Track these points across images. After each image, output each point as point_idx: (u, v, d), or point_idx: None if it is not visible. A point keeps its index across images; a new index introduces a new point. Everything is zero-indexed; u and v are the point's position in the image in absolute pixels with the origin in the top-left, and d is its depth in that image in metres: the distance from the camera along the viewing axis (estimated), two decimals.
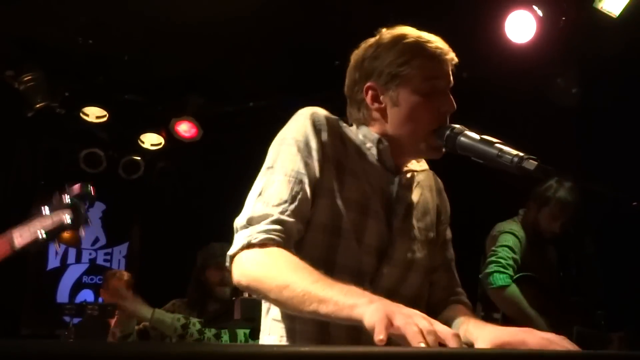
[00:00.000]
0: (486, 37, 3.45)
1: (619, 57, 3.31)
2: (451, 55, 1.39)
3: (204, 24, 3.71)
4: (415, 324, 0.91)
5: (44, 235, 1.90)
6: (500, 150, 1.22)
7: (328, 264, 1.27)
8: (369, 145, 1.41)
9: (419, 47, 1.36)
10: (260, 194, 1.26)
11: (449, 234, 1.56)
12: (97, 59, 4.22)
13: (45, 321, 4.84)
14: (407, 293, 1.36)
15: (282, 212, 1.22)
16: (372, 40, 1.43)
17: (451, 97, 1.38)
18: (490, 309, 2.82)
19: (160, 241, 5.47)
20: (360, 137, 1.43)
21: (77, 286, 5.54)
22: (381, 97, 1.38)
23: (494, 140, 1.26)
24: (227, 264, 1.23)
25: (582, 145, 3.06)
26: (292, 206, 1.24)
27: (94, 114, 4.66)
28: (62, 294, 5.44)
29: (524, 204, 2.98)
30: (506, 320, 2.72)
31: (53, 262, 5.53)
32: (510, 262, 2.73)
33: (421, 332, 0.90)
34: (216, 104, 4.74)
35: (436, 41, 1.38)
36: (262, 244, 1.18)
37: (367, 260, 1.32)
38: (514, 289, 2.68)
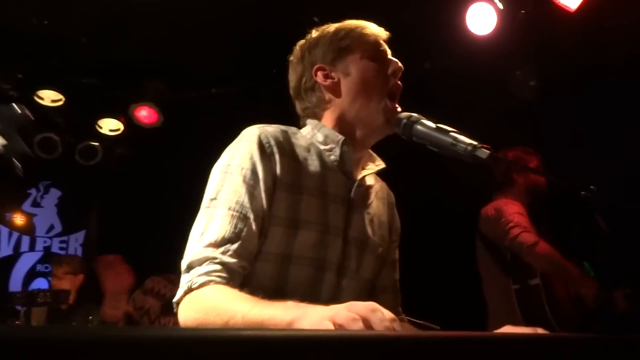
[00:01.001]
0: (448, 29, 3.47)
1: (575, 50, 3.39)
2: (380, 29, 1.49)
3: (166, 7, 3.63)
4: (357, 319, 0.89)
5: None
6: (455, 139, 1.25)
7: (278, 293, 1.23)
8: (330, 146, 1.40)
9: (349, 26, 1.47)
10: (202, 233, 1.21)
11: (396, 254, 1.58)
12: (53, 40, 4.07)
13: None
14: None
15: (223, 253, 1.18)
16: (302, 40, 1.52)
17: (396, 60, 1.46)
18: (524, 278, 2.80)
19: (118, 229, 5.37)
20: (320, 138, 1.42)
21: (31, 275, 5.40)
22: (332, 74, 1.44)
23: (449, 129, 1.29)
24: (175, 310, 1.19)
25: (540, 136, 3.13)
26: (235, 246, 1.20)
27: (49, 97, 4.51)
28: (15, 283, 5.30)
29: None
30: (546, 285, 2.72)
31: (5, 250, 5.37)
32: (528, 224, 2.77)
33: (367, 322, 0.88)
34: (177, 90, 4.65)
35: (358, 21, 1.49)
36: (201, 287, 1.14)
37: (327, 277, 1.32)
38: (544, 243, 2.69)
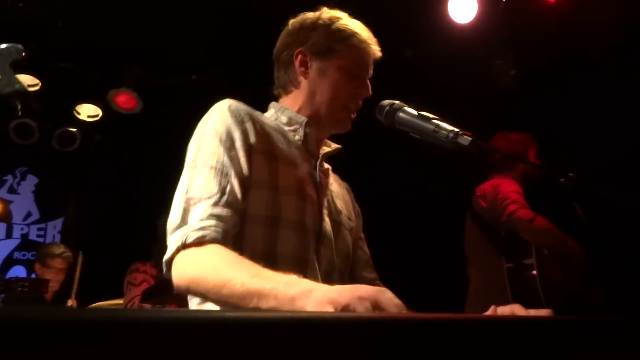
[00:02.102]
0: (429, 17, 3.48)
1: (554, 40, 3.43)
2: (378, 49, 1.51)
3: None
4: (363, 298, 0.87)
5: None
6: (437, 126, 1.26)
7: (270, 255, 1.24)
8: (294, 127, 1.45)
9: (355, 32, 1.47)
10: (187, 191, 1.21)
11: (362, 231, 1.61)
12: (29, 23, 3.98)
13: None
14: (337, 280, 1.38)
15: (214, 205, 1.18)
16: (311, 14, 1.51)
17: (368, 84, 1.49)
18: (518, 257, 2.79)
19: (96, 216, 5.32)
20: (284, 120, 1.46)
21: (8, 262, 5.33)
22: (310, 63, 1.46)
23: (431, 116, 1.30)
24: (164, 270, 1.17)
25: (520, 123, 3.16)
26: (224, 198, 1.20)
27: (25, 82, 4.41)
28: None
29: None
30: (540, 265, 2.73)
31: None
32: (526, 203, 2.77)
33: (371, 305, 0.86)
34: (157, 76, 4.60)
35: (369, 32, 1.51)
36: (198, 242, 1.13)
37: (308, 243, 1.32)
38: (542, 218, 2.69)
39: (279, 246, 1.27)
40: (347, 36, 1.46)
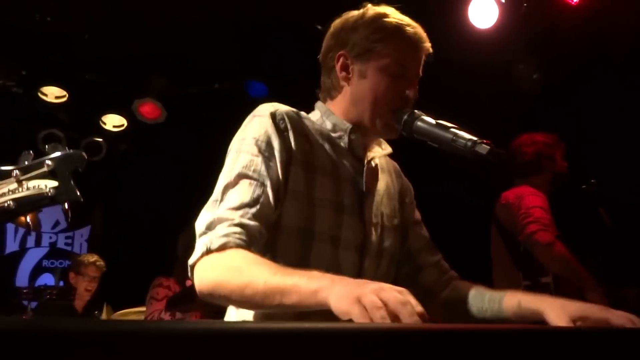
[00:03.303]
0: (450, 22, 3.47)
1: (577, 43, 3.39)
2: (427, 45, 1.41)
3: (169, 2, 3.63)
4: (381, 307, 0.85)
5: (12, 206, 1.31)
6: (455, 134, 1.24)
7: (303, 268, 1.21)
8: (339, 134, 1.40)
9: (398, 29, 1.38)
10: (220, 200, 1.21)
11: (417, 215, 1.57)
12: (56, 36, 4.09)
13: (3, 305, 4.74)
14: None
15: (242, 216, 1.16)
16: (355, 12, 1.44)
17: (417, 86, 1.41)
18: (535, 275, 2.70)
19: (123, 224, 5.40)
20: (329, 126, 1.41)
21: (37, 270, 5.44)
22: (350, 67, 1.40)
23: (450, 125, 1.28)
24: (189, 274, 1.18)
25: (542, 129, 3.12)
26: (254, 209, 1.18)
27: (52, 93, 4.52)
28: (22, 279, 5.34)
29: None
30: (558, 284, 2.64)
31: (12, 246, 5.41)
32: (547, 221, 2.66)
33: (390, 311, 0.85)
34: (180, 86, 4.67)
35: (416, 27, 1.41)
36: (221, 248, 1.12)
37: (345, 257, 1.31)
38: (561, 245, 2.59)
39: (312, 259, 1.26)
40: (388, 34, 1.37)
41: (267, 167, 1.23)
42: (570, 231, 2.78)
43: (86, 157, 1.35)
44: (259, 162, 1.23)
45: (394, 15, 1.40)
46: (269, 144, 1.26)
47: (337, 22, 1.46)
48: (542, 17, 3.35)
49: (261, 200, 1.20)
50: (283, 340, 0.51)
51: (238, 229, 1.14)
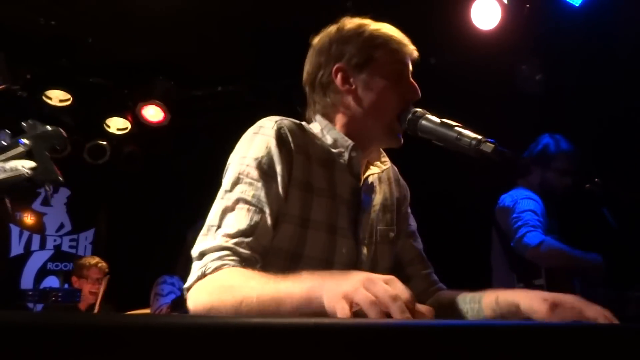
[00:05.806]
0: (453, 24, 3.47)
1: (580, 45, 3.39)
2: (413, 47, 1.44)
3: (172, 5, 3.65)
4: (375, 303, 0.85)
5: None
6: (460, 133, 1.25)
7: None
8: (339, 150, 1.38)
9: (387, 35, 1.40)
10: (217, 226, 1.19)
11: (413, 224, 1.57)
12: (60, 40, 4.11)
13: (9, 308, 4.76)
14: None
15: (238, 244, 1.16)
16: (334, 27, 1.43)
17: (415, 84, 1.41)
18: (528, 277, 2.74)
19: (127, 227, 5.41)
20: (330, 141, 1.39)
21: (42, 273, 5.46)
22: (352, 79, 1.38)
23: (454, 123, 1.29)
24: (185, 297, 1.17)
25: (545, 130, 3.12)
26: (250, 239, 1.17)
27: (57, 97, 4.54)
28: (27, 281, 5.35)
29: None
30: (550, 284, 2.66)
31: (16, 249, 5.43)
32: (538, 223, 2.70)
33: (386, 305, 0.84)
34: (184, 88, 4.68)
35: (400, 32, 1.43)
36: (216, 270, 1.12)
37: None
38: (549, 240, 2.63)
39: None
40: (383, 41, 1.39)
41: (267, 193, 1.22)
42: (575, 231, 2.79)
43: (65, 135, 1.33)
44: (259, 187, 1.22)
45: (375, 23, 1.43)
46: (271, 166, 1.24)
47: (320, 39, 1.44)
48: (545, 18, 3.36)
49: (258, 227, 1.19)
50: (285, 334, 0.52)
51: (232, 256, 1.14)
